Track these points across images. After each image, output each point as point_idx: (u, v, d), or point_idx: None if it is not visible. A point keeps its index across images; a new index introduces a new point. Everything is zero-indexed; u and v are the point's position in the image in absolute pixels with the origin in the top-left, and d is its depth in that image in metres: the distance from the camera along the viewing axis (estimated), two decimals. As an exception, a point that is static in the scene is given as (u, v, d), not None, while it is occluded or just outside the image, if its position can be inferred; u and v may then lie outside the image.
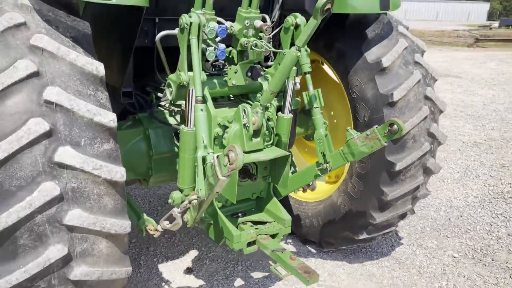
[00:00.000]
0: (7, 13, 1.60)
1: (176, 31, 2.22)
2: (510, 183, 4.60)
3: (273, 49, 2.39)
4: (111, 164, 1.64)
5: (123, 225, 1.69)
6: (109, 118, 1.65)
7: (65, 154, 1.53)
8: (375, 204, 2.78)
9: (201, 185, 2.07)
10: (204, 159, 2.07)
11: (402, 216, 2.96)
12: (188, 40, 2.14)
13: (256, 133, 2.36)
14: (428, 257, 3.24)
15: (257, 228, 2.47)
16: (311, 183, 2.59)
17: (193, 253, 3.24)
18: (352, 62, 2.76)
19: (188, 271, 3.04)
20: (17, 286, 1.52)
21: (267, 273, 3.03)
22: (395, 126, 2.01)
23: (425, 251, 3.31)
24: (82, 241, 1.61)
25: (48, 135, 1.51)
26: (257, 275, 3.02)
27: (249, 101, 2.52)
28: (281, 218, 2.50)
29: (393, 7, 2.62)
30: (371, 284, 2.94)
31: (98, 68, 1.70)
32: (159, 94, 2.69)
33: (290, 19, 2.37)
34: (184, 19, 2.11)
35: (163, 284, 2.90)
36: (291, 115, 2.50)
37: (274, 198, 2.60)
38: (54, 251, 1.54)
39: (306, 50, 2.37)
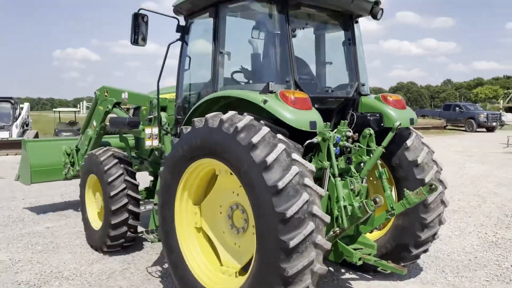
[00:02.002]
0: (263, 127, 3.49)
1: (315, 139, 3.95)
2: (494, 235, 6.50)
3: (365, 147, 4.18)
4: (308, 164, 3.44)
5: (321, 190, 3.42)
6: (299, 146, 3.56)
7: (295, 156, 3.35)
8: (419, 227, 4.49)
9: (344, 220, 3.75)
10: (345, 207, 3.80)
11: (434, 235, 4.66)
12: (328, 145, 3.92)
13: (357, 194, 4.04)
14: (471, 282, 4.86)
15: (358, 251, 4.08)
16: (379, 225, 4.36)
17: None
18: (392, 148, 4.55)
19: None
20: (290, 214, 3.09)
21: (356, 281, 4.44)
22: (433, 186, 3.68)
23: (468, 279, 4.93)
24: (310, 194, 3.25)
25: (285, 150, 3.32)
26: (350, 281, 4.42)
27: (345, 176, 4.17)
28: (371, 244, 4.16)
29: (415, 122, 4.62)
30: (447, 299, 4.46)
31: (300, 149, 3.61)
32: None
33: (367, 131, 4.25)
34: (327, 134, 3.92)
35: None
36: (366, 184, 4.23)
37: (362, 233, 4.23)
38: (305, 197, 3.20)
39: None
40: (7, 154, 16.60)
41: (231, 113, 3.68)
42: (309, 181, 3.30)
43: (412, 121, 4.55)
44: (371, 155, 4.15)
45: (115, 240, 5.49)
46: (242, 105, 3.97)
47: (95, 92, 6.88)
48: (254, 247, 3.39)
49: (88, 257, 5.57)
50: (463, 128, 31.88)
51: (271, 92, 3.85)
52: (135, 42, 4.92)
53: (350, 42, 4.89)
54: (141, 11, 4.88)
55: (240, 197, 3.82)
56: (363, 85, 4.85)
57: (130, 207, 5.46)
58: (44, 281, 4.84)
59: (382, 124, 4.46)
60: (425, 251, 4.80)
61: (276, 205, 3.14)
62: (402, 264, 4.58)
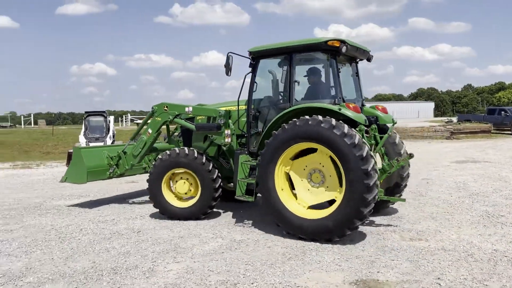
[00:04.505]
0: (345, 124, 6.16)
1: (357, 129, 6.42)
2: None
3: (373, 135, 6.86)
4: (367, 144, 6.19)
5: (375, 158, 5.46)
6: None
7: (364, 140, 6.10)
8: (401, 175, 7.63)
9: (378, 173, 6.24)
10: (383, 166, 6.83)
11: (407, 179, 7.81)
12: (362, 133, 6.42)
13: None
14: None
15: None
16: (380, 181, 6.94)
17: None
18: (387, 141, 7.41)
19: None
20: (369, 169, 5.87)
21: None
22: (412, 154, 6.75)
23: None
24: (374, 159, 6.08)
25: (359, 136, 6.08)
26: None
27: None
28: (380, 190, 6.50)
29: (395, 122, 7.34)
30: None
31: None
32: None
33: (373, 126, 6.90)
34: (362, 127, 6.51)
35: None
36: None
37: None
38: (373, 161, 6.04)
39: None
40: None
41: (319, 116, 6.22)
42: (372, 153, 6.04)
43: (393, 120, 7.37)
44: (379, 140, 6.89)
45: (213, 207, 7.86)
46: (309, 113, 6.41)
47: (152, 107, 8.72)
48: (328, 194, 6.42)
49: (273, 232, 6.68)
50: (509, 132, 32.43)
51: (337, 104, 6.59)
52: (227, 73, 7.32)
53: (357, 74, 7.69)
54: (229, 54, 7.20)
55: (320, 166, 6.44)
56: (363, 99, 7.74)
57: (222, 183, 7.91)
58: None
59: (378, 122, 7.22)
60: (404, 186, 7.83)
61: (361, 166, 5.86)
62: (398, 195, 7.68)
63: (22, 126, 47.17)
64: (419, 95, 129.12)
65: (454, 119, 40.13)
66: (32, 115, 51.21)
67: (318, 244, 6.25)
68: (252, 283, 4.88)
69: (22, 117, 50.68)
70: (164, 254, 5.94)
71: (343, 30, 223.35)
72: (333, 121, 6.08)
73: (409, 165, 7.76)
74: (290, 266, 5.40)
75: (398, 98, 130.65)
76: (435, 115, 62.11)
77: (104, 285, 4.89)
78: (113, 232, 7.10)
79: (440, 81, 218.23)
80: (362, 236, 6.62)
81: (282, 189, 6.63)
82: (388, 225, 7.24)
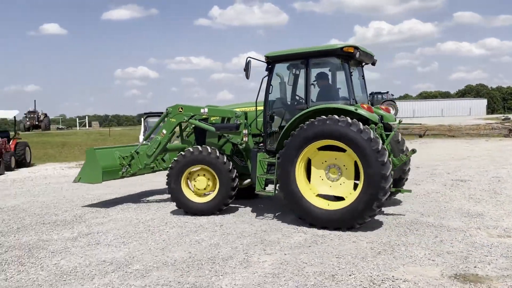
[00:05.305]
0: (359, 122, 6.70)
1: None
2: None
3: (379, 132, 7.02)
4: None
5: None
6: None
7: (376, 135, 6.66)
8: (404, 169, 8.25)
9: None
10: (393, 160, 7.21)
11: (408, 172, 8.47)
12: (374, 130, 6.79)
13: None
14: None
15: None
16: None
17: None
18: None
19: None
20: (385, 161, 6.46)
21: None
22: (415, 150, 7.26)
23: None
24: (386, 152, 6.66)
25: (373, 132, 6.64)
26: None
27: None
28: None
29: (400, 121, 8.05)
30: None
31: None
32: None
33: (380, 124, 7.16)
34: (372, 127, 6.80)
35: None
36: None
37: None
38: (387, 153, 6.60)
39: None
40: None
41: (335, 116, 6.71)
42: (384, 146, 6.57)
43: (395, 119, 8.11)
44: (385, 137, 7.26)
45: (229, 204, 8.24)
46: (326, 113, 6.88)
47: (167, 108, 8.95)
48: (347, 186, 6.88)
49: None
50: None
51: (352, 105, 7.09)
52: (247, 77, 7.66)
53: (363, 77, 8.13)
54: (248, 59, 7.64)
55: (337, 161, 6.94)
56: (369, 100, 8.26)
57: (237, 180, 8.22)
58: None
59: (382, 121, 7.57)
60: (406, 180, 8.50)
61: (377, 157, 6.42)
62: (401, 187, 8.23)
63: (77, 128, 49.42)
64: (467, 92, 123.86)
65: (511, 116, 38.38)
66: (87, 117, 53.57)
67: (404, 239, 6.27)
68: (350, 275, 4.98)
69: (77, 119, 53.08)
70: (253, 246, 6.16)
71: (384, 26, 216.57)
72: (349, 120, 6.59)
73: (409, 161, 8.35)
74: (382, 260, 5.46)
75: (445, 95, 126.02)
76: (486, 113, 59.50)
77: (207, 273, 5.15)
78: (197, 226, 7.41)
79: (488, 77, 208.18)
80: (446, 233, 6.57)
81: (301, 184, 7.08)
82: (470, 222, 7.13)
